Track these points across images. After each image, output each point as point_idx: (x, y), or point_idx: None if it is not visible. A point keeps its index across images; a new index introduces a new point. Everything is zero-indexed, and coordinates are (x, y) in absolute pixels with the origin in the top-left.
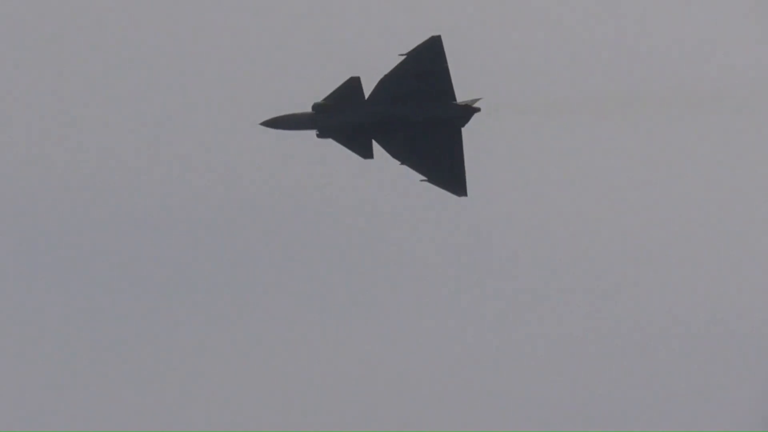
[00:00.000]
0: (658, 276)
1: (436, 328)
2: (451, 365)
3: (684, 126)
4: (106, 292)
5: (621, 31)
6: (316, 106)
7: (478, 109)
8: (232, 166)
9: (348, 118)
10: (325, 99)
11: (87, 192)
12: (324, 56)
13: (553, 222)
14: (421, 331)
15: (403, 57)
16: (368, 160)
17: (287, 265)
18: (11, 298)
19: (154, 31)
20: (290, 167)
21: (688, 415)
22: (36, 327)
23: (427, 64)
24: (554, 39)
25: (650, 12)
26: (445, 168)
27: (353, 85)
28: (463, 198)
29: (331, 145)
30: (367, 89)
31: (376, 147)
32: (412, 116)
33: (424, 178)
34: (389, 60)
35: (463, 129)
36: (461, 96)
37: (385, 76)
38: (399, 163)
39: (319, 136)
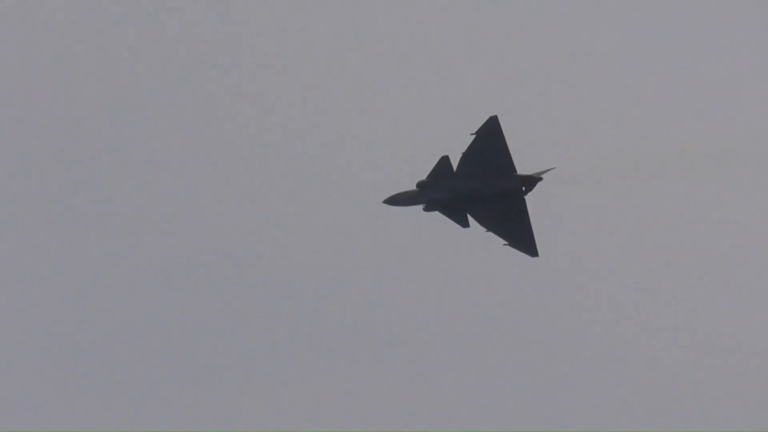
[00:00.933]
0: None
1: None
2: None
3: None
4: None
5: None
6: (419, 184)
7: (539, 179)
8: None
9: (441, 194)
10: (427, 177)
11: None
12: (408, 136)
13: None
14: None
15: (473, 135)
16: (466, 228)
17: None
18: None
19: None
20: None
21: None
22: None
23: (489, 141)
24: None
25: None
26: (516, 232)
27: (444, 162)
28: (535, 258)
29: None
30: (455, 163)
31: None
32: (484, 190)
33: (506, 242)
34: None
35: (529, 195)
36: (536, 166)
37: (464, 153)
38: (485, 230)
39: (425, 209)
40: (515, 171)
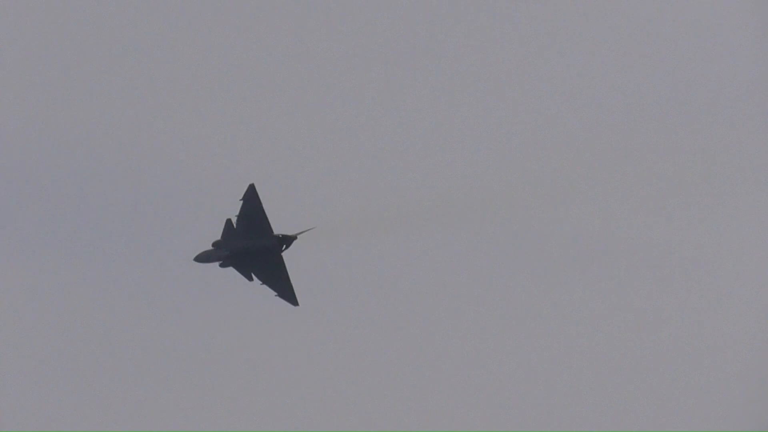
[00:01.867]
0: None
1: None
2: None
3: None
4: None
5: None
6: (214, 243)
7: (295, 238)
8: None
9: (224, 251)
10: (220, 237)
11: None
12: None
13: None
14: None
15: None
16: (251, 282)
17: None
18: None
19: None
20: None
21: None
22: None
23: (251, 206)
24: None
25: None
26: (279, 284)
27: (228, 225)
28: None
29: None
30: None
31: None
32: (249, 247)
33: (276, 293)
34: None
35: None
36: (297, 227)
37: (237, 216)
38: (261, 282)
39: (221, 266)
40: (272, 231)
